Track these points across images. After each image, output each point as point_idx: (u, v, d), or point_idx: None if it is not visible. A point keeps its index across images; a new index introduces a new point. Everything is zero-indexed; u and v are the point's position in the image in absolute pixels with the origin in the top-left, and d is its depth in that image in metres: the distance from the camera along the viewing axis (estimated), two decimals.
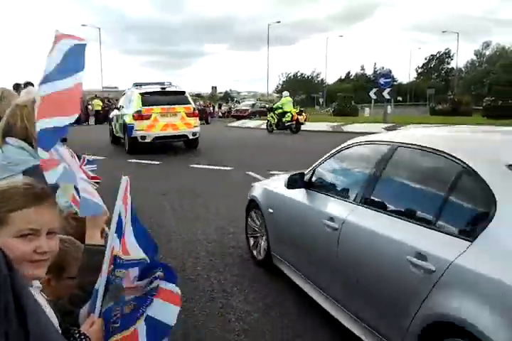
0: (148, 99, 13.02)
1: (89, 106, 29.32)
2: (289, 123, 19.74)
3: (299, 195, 3.80)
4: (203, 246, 5.16)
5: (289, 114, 19.76)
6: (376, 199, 2.96)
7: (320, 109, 52.48)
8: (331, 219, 3.16)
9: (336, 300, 3.16)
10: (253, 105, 37.14)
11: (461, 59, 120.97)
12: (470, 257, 2.09)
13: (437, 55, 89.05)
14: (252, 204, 4.71)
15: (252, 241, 4.75)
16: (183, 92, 13.90)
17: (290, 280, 3.90)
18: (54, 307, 1.34)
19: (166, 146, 14.08)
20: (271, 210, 4.22)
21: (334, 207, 3.31)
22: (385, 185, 3.02)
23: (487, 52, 68.18)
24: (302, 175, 3.83)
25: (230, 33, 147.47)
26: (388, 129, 21.40)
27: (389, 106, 26.37)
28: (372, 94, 25.71)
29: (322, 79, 79.08)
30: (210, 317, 3.54)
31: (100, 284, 1.38)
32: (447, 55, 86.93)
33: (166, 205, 7.05)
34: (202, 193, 7.84)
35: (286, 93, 21.84)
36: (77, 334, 1.30)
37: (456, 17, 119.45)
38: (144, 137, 12.82)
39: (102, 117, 29.00)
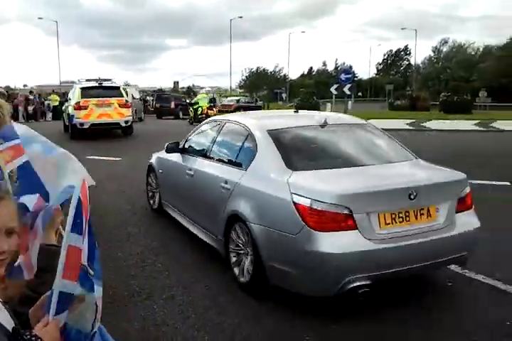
0: (87, 92, 15.65)
1: (46, 102, 28.44)
2: (200, 116, 21.85)
3: (175, 157, 5.58)
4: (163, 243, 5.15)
5: (200, 108, 22.70)
6: (211, 154, 4.92)
7: (283, 104, 52.75)
8: (190, 169, 5.07)
9: (191, 219, 5.10)
10: (238, 100, 38.91)
11: (419, 55, 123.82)
12: (244, 179, 4.05)
13: (396, 52, 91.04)
14: (150, 168, 6.44)
15: (150, 194, 6.48)
16: (118, 87, 16.82)
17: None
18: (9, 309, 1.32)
19: (102, 133, 15.85)
20: (161, 171, 6.05)
21: (193, 162, 5.17)
22: (216, 145, 4.94)
23: (444, 49, 70.13)
24: (177, 143, 5.67)
25: (192, 27, 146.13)
26: None
27: (350, 102, 26.78)
28: (333, 89, 26.02)
29: (285, 75, 79.50)
30: (170, 315, 3.54)
31: (56, 286, 1.36)
32: (406, 51, 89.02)
33: (125, 202, 6.97)
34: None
35: (203, 90, 27.89)
36: (28, 336, 1.28)
37: (415, 14, 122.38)
38: (82, 124, 15.30)
39: (59, 112, 28.22)
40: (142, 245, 5.09)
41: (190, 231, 5.08)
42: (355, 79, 47.00)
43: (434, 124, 20.74)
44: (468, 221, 3.80)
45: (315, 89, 49.02)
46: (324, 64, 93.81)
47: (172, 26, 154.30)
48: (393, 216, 3.47)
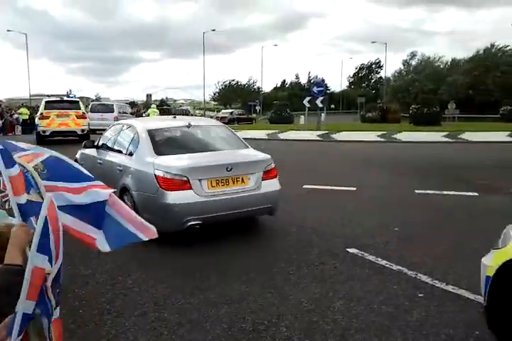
0: (50, 105, 19.53)
1: (15, 115, 27.86)
2: None
3: (92, 152, 7.37)
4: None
5: None
6: (114, 147, 6.81)
7: (258, 116, 53.06)
8: (100, 159, 6.97)
9: None
10: (231, 113, 42.55)
11: (390, 68, 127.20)
12: (130, 163, 5.98)
13: (367, 65, 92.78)
14: (75, 162, 8.07)
15: None
16: (77, 101, 20.98)
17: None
18: None
19: (63, 140, 18.69)
20: (82, 162, 7.20)
21: (102, 154, 7.04)
22: (117, 142, 6.84)
23: (413, 62, 71.70)
24: (93, 141, 7.58)
25: (165, 40, 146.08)
26: (321, 136, 22.02)
27: (322, 114, 27.11)
28: (306, 102, 26.37)
29: (258, 88, 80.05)
30: (141, 332, 3.48)
31: (20, 308, 1.32)
32: (377, 64, 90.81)
33: None
34: None
35: (153, 105, 31.27)
36: None
37: (385, 28, 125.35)
38: (44, 131, 18.81)
39: (29, 127, 27.64)
40: (111, 261, 5.00)
41: (160, 245, 5.02)
42: (328, 92, 47.48)
43: (404, 136, 21.14)
44: (271, 185, 5.88)
45: (288, 101, 49.37)
46: (297, 77, 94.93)
47: (144, 39, 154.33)
48: (217, 181, 5.53)
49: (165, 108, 47.65)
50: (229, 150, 6.33)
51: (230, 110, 46.26)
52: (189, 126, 6.44)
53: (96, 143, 7.43)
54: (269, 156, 6.12)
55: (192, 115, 39.21)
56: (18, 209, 1.72)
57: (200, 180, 5.38)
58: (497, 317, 3.06)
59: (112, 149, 6.86)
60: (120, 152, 6.54)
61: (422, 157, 14.12)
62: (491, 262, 3.14)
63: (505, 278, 2.98)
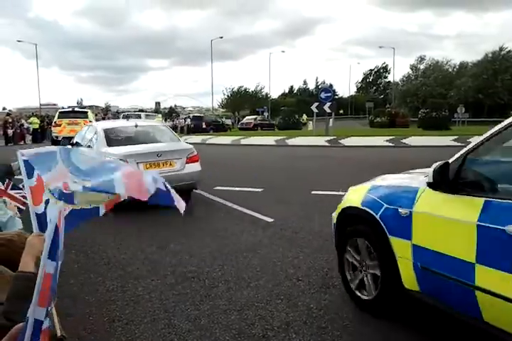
0: (63, 115, 23.83)
1: (26, 125, 28.16)
2: None
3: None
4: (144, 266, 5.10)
5: None
6: (82, 143, 8.77)
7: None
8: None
9: None
10: (255, 118, 44.63)
11: (398, 73, 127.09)
12: (91, 153, 5.15)
13: (375, 70, 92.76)
14: None
15: None
16: (86, 112, 25.16)
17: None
18: None
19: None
20: None
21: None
22: (84, 138, 8.99)
23: (421, 66, 71.49)
24: (70, 139, 9.75)
25: (173, 48, 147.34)
26: (330, 142, 22.00)
27: (331, 120, 27.12)
28: (314, 107, 26.40)
29: (266, 94, 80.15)
30: (151, 339, 3.49)
31: (31, 314, 1.35)
32: (385, 69, 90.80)
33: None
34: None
35: (159, 115, 37.25)
36: None
37: (393, 32, 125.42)
38: (57, 137, 22.50)
39: (40, 135, 27.93)
40: (120, 268, 5.04)
41: (168, 251, 5.03)
42: (336, 97, 47.51)
43: (412, 140, 21.05)
44: (192, 167, 8.16)
45: (296, 107, 49.47)
46: (305, 83, 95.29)
47: (153, 47, 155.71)
48: (150, 164, 7.72)
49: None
50: (162, 143, 8.52)
51: (254, 116, 47.70)
52: (136, 126, 8.67)
53: (71, 142, 9.59)
54: (191, 146, 8.51)
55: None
56: (36, 219, 1.80)
57: (137, 163, 7.47)
58: (340, 252, 4.18)
59: (80, 145, 8.78)
60: (89, 146, 8.39)
61: (431, 160, 13.98)
62: (335, 212, 4.23)
63: (341, 221, 4.12)
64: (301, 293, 4.27)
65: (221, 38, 60.00)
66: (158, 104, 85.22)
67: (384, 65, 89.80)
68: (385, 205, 3.48)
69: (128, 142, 8.19)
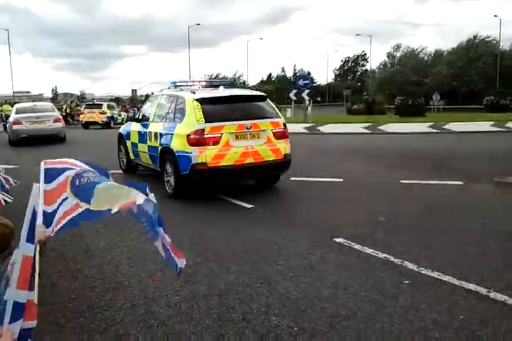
0: (87, 106, 30.39)
1: None
2: None
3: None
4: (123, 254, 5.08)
5: None
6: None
7: None
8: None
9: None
10: None
11: (375, 60, 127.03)
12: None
13: (353, 58, 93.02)
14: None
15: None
16: (101, 104, 30.34)
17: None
18: None
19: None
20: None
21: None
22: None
23: (398, 54, 71.98)
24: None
25: (149, 34, 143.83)
26: (308, 129, 22.10)
27: (309, 107, 27.20)
28: (292, 95, 26.43)
29: (244, 81, 79.82)
30: (131, 325, 3.50)
31: (10, 296, 1.34)
32: (362, 57, 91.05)
33: None
34: None
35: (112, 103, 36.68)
36: None
37: (371, 20, 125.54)
38: (81, 121, 29.39)
39: None
40: (100, 256, 5.01)
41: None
42: (314, 84, 47.63)
43: (389, 127, 21.29)
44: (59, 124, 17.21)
45: (275, 94, 49.40)
46: (283, 70, 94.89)
47: (128, 33, 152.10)
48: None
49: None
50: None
51: None
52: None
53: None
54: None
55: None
56: (43, 216, 2.04)
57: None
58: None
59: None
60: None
61: (407, 147, 14.26)
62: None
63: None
64: (281, 276, 4.33)
65: (198, 24, 59.42)
66: (134, 91, 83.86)
67: (362, 53, 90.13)
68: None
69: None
